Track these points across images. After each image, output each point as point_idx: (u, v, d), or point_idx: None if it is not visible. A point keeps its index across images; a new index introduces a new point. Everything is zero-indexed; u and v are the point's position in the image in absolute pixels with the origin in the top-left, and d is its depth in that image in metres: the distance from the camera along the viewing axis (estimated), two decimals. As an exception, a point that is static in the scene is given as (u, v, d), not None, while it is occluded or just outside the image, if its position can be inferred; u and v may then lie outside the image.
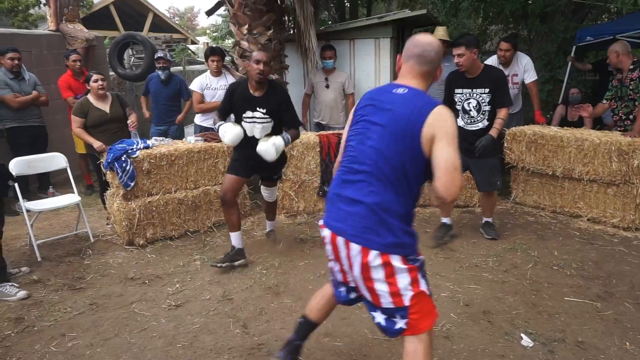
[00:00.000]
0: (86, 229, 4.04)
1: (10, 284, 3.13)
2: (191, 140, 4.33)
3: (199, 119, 5.18)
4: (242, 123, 3.30)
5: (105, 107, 4.14)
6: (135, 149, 3.88)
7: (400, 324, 1.71)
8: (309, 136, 4.53)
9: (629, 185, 3.84)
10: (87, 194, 5.49)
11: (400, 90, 1.79)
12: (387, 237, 1.68)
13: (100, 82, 4.06)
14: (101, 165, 4.01)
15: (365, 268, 1.70)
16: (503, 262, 3.42)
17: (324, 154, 4.50)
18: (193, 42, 15.51)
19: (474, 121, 3.60)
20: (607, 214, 4.01)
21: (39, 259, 3.67)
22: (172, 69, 5.88)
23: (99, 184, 4.42)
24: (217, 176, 4.30)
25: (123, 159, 3.77)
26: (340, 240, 1.75)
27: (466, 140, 3.49)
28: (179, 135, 5.65)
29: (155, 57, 5.39)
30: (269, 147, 3.15)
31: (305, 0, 4.63)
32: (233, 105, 3.34)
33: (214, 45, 5.09)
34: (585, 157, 4.00)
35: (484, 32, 8.80)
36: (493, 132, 3.51)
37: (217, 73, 4.83)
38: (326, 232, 1.82)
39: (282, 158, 3.53)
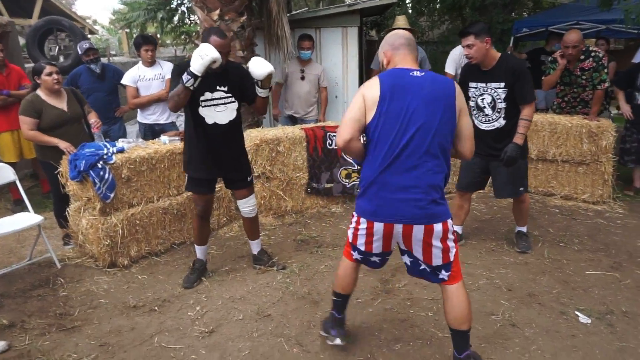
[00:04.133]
0: (49, 253, 3.34)
1: (-20, 334, 2.45)
2: (165, 141, 3.79)
3: (142, 116, 4.61)
4: (199, 109, 2.77)
5: (62, 104, 3.44)
6: (109, 154, 3.28)
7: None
8: (294, 130, 4.25)
9: (597, 164, 4.23)
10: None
11: (417, 73, 1.94)
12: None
13: (55, 76, 3.35)
14: (59, 175, 3.37)
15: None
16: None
17: (311, 148, 4.27)
18: (91, 32, 13.85)
19: (489, 120, 3.14)
20: (577, 191, 4.38)
21: (-3, 297, 2.95)
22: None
23: (53, 197, 3.68)
24: (200, 179, 3.83)
25: (99, 165, 3.16)
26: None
27: (483, 142, 3.10)
28: (122, 135, 4.94)
29: (84, 48, 4.53)
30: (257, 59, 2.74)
31: (279, -15, 4.32)
32: None
33: (145, 34, 4.54)
34: (558, 139, 4.31)
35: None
36: (517, 140, 2.98)
37: (150, 63, 4.39)
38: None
39: (244, 151, 3.09)
